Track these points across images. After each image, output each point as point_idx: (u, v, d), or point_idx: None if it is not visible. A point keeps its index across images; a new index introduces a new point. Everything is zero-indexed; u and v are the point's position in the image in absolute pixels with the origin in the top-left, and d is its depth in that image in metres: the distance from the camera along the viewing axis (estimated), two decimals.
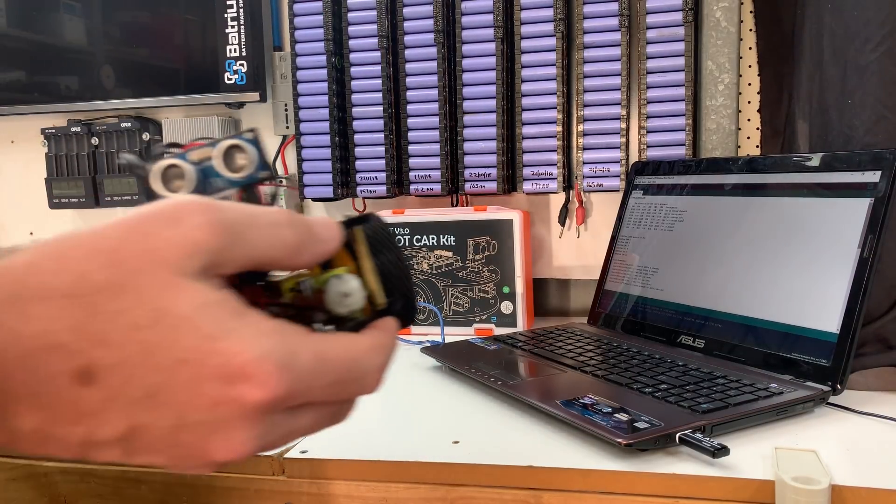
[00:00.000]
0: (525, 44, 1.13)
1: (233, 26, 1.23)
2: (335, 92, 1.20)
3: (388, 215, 1.15)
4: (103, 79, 1.30)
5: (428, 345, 0.99)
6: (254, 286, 0.32)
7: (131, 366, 0.25)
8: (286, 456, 0.66)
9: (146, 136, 1.34)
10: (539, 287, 1.24)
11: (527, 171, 1.15)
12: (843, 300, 0.75)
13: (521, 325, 1.09)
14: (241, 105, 1.30)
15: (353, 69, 1.20)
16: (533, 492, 0.61)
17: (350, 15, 1.19)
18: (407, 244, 1.13)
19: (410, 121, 1.18)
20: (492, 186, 1.16)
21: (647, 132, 1.10)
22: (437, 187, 1.18)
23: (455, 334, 1.09)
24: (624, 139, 1.10)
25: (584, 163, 1.13)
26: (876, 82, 0.83)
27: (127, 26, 1.29)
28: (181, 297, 0.26)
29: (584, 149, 1.13)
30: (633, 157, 1.12)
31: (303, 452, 0.66)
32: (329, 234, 0.32)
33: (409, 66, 1.18)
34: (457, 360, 0.89)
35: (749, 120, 1.11)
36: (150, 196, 0.35)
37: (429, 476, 0.63)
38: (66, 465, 0.72)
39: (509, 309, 1.09)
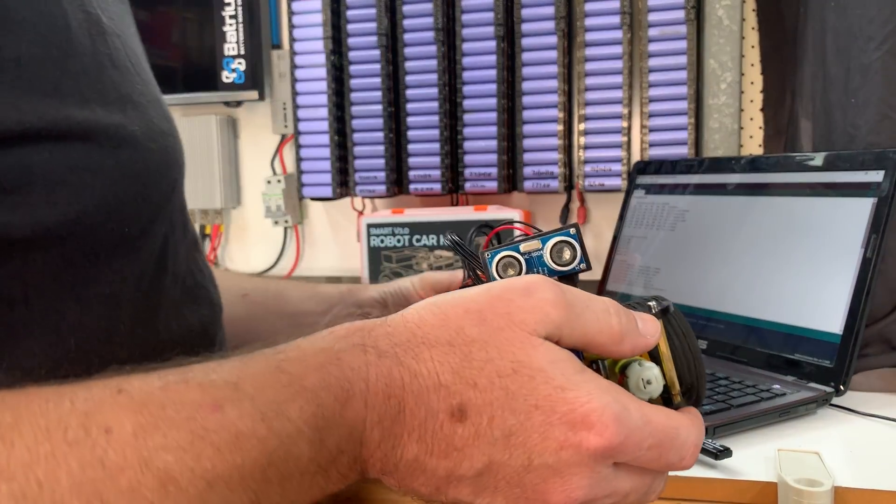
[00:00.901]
0: (526, 42, 1.12)
1: (231, 24, 1.23)
2: (334, 90, 1.19)
3: (387, 215, 1.14)
4: None
5: None
6: None
7: (495, 408, 0.29)
8: None
9: None
10: None
11: (528, 171, 1.15)
12: (846, 301, 0.74)
13: None
14: (239, 104, 1.30)
15: (352, 67, 1.19)
16: None
17: (349, 13, 1.18)
18: (407, 244, 1.13)
19: (410, 119, 1.18)
20: (492, 186, 1.16)
21: (649, 131, 1.09)
22: (437, 187, 1.17)
23: None
24: (626, 138, 1.10)
25: (585, 162, 1.13)
26: (879, 81, 0.83)
27: None
28: (536, 352, 0.30)
29: (586, 148, 1.12)
30: (635, 157, 1.11)
31: None
32: (651, 330, 0.34)
33: (408, 65, 1.17)
34: None
35: (752, 119, 1.10)
36: (472, 271, 0.40)
37: None
38: None
39: None
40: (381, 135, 1.19)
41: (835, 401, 0.72)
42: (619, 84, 1.09)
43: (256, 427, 0.27)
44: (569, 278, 0.38)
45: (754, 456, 0.61)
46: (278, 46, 1.29)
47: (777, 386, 0.72)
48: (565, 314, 0.31)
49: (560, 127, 1.12)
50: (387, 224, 1.14)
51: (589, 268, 0.38)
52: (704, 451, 0.58)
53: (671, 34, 1.07)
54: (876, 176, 0.76)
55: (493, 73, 1.14)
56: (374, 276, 1.14)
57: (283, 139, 1.30)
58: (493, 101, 1.14)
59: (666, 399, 0.35)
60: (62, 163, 0.34)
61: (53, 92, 0.34)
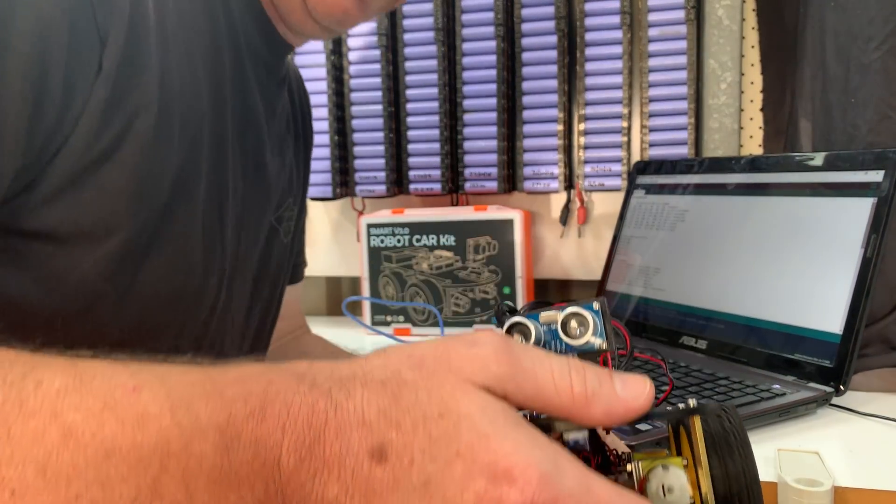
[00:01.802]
0: (526, 42, 1.12)
1: None
2: (334, 90, 1.19)
3: (387, 215, 1.14)
4: None
5: None
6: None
7: (415, 451, 0.28)
8: None
9: None
10: (540, 287, 1.23)
11: (528, 171, 1.15)
12: (846, 300, 0.74)
13: None
14: None
15: (352, 67, 1.19)
16: None
17: None
18: (407, 244, 1.13)
19: (410, 119, 1.18)
20: (492, 186, 1.16)
21: (649, 131, 1.09)
22: (437, 187, 1.17)
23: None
24: (625, 138, 1.10)
25: (585, 162, 1.13)
26: (879, 81, 0.83)
27: None
28: (466, 397, 0.29)
29: (586, 148, 1.12)
30: (635, 157, 1.11)
31: None
32: (635, 392, 0.31)
33: (408, 65, 1.17)
34: None
35: (752, 119, 1.10)
36: None
37: None
38: None
39: None
40: (381, 135, 1.19)
41: (835, 401, 0.72)
42: (619, 84, 1.09)
43: (163, 413, 0.28)
44: (588, 359, 0.34)
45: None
46: None
47: (777, 386, 0.72)
48: (508, 368, 0.30)
49: (560, 127, 1.12)
50: (387, 224, 1.14)
51: (611, 348, 0.34)
52: None
53: (671, 34, 1.07)
54: (876, 176, 0.76)
55: (493, 73, 1.14)
56: (374, 276, 1.14)
57: None
58: (493, 101, 1.14)
59: None
60: None
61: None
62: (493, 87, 1.14)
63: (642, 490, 0.30)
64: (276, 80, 0.63)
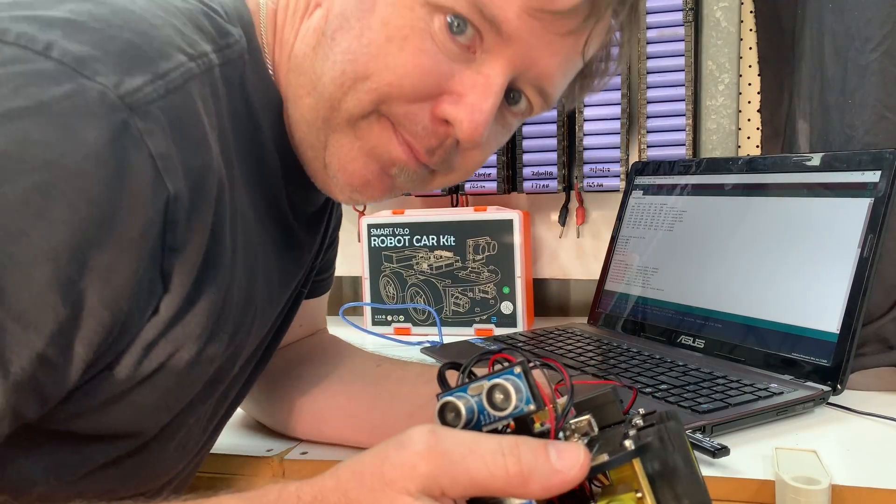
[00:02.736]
0: None
1: None
2: None
3: (387, 215, 1.15)
4: None
5: (427, 345, 0.99)
6: None
7: None
8: (287, 457, 0.66)
9: None
10: (539, 287, 1.24)
11: (527, 171, 1.15)
12: (843, 300, 0.74)
13: (521, 325, 1.08)
14: None
15: None
16: None
17: None
18: (407, 244, 1.13)
19: None
20: (492, 186, 1.16)
21: (647, 132, 1.10)
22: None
23: (455, 335, 1.09)
24: (624, 139, 1.10)
25: (584, 162, 1.13)
26: (876, 82, 0.83)
27: None
28: None
29: (585, 148, 1.13)
30: (633, 157, 1.11)
31: (303, 454, 0.66)
32: (570, 462, 0.32)
33: None
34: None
35: (749, 120, 1.11)
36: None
37: None
38: None
39: (509, 309, 1.09)
40: None
41: (832, 400, 0.73)
42: (618, 85, 1.10)
43: None
44: (524, 421, 0.34)
45: (752, 454, 0.61)
46: None
47: (774, 385, 0.72)
48: (437, 464, 0.31)
49: (559, 127, 1.13)
50: (387, 224, 1.14)
51: (539, 408, 0.34)
52: (702, 449, 0.59)
53: (669, 36, 1.07)
54: (873, 176, 0.76)
55: None
56: (375, 276, 1.15)
57: None
58: None
59: None
60: None
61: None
62: None
63: None
64: (318, 232, 0.64)
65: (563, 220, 1.19)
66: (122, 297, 0.39)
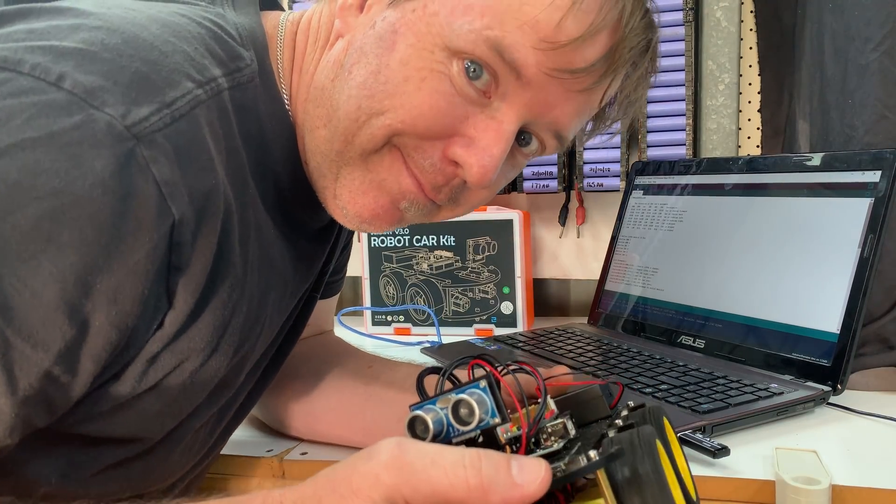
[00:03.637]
0: None
1: None
2: None
3: None
4: None
5: (427, 345, 0.99)
6: None
7: None
8: (287, 458, 0.66)
9: None
10: (539, 287, 1.24)
11: (527, 171, 1.15)
12: (843, 300, 0.74)
13: (521, 325, 1.08)
14: None
15: None
16: None
17: None
18: (407, 244, 1.13)
19: None
20: None
21: (648, 132, 1.10)
22: None
23: (455, 335, 1.09)
24: (624, 139, 1.10)
25: (584, 162, 1.13)
26: (876, 82, 0.83)
27: None
28: None
29: (585, 148, 1.13)
30: (634, 157, 1.12)
31: (303, 454, 0.66)
32: (530, 476, 0.32)
33: None
34: None
35: (749, 120, 1.11)
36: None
37: None
38: None
39: (509, 309, 1.09)
40: None
41: (832, 400, 0.73)
42: None
43: None
44: (492, 434, 0.34)
45: (752, 454, 0.61)
46: None
47: (775, 385, 0.72)
48: (399, 475, 0.32)
49: None
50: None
51: (504, 420, 0.35)
52: (703, 449, 0.59)
53: (669, 35, 1.07)
54: (873, 176, 0.76)
55: None
56: (375, 276, 1.15)
57: None
58: None
59: None
60: None
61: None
62: None
63: None
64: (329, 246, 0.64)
65: (563, 220, 1.19)
66: (128, 316, 0.40)
